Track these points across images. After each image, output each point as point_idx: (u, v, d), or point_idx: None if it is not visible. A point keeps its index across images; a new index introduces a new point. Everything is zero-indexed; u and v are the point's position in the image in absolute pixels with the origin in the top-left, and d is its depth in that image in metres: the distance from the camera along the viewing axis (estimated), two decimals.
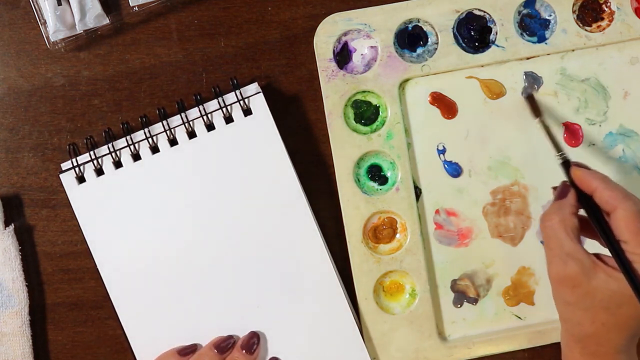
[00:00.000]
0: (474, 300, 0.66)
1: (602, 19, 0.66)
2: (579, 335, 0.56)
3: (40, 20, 0.64)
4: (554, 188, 0.59)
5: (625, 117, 0.66)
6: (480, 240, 0.66)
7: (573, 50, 0.66)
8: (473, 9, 0.65)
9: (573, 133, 0.66)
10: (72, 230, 0.65)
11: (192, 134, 0.64)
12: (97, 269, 0.64)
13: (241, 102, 0.64)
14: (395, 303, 0.66)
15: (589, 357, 0.56)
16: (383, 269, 0.65)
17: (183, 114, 0.64)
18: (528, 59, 0.66)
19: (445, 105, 0.66)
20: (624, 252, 0.53)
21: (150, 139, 0.64)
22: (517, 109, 0.66)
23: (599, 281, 0.54)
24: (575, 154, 0.66)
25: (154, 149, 0.64)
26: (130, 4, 0.64)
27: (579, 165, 0.59)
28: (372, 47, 0.66)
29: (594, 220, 0.56)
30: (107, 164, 0.64)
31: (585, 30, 0.66)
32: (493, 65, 0.66)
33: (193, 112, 0.64)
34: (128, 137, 0.63)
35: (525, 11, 0.66)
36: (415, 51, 0.66)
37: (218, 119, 0.64)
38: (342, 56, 0.66)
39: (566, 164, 0.59)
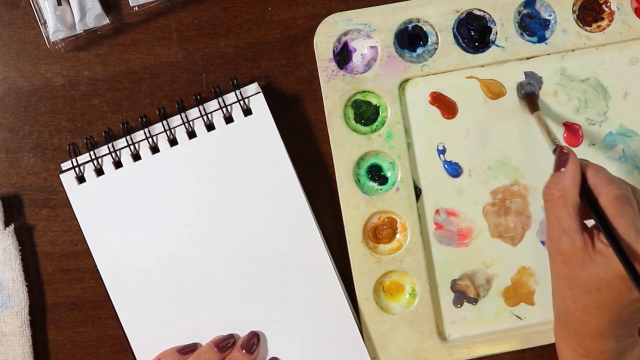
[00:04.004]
0: (474, 300, 0.66)
1: (602, 19, 0.66)
2: (562, 310, 0.57)
3: (40, 20, 0.64)
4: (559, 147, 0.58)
5: (625, 117, 0.66)
6: (480, 240, 0.66)
7: (573, 50, 0.66)
8: (473, 9, 0.65)
9: (573, 133, 0.66)
10: (72, 230, 0.65)
11: (192, 134, 0.64)
12: (97, 269, 0.64)
13: (241, 102, 0.64)
14: (395, 303, 0.66)
15: (573, 335, 0.56)
16: (383, 269, 0.65)
17: (183, 114, 0.64)
18: (528, 59, 0.66)
19: (445, 105, 0.66)
20: (615, 230, 0.53)
21: (150, 139, 0.64)
22: (517, 109, 0.66)
23: (584, 263, 0.54)
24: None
25: (154, 149, 0.64)
26: (130, 4, 0.64)
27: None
28: (372, 47, 0.66)
29: (586, 202, 0.55)
30: (107, 164, 0.64)
31: (585, 30, 0.66)
32: (493, 65, 0.66)
33: (193, 112, 0.64)
34: (128, 137, 0.63)
35: (525, 11, 0.66)
36: (415, 51, 0.66)
37: (218, 119, 0.64)
38: (342, 56, 0.66)
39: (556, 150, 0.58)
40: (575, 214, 0.55)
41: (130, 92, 0.66)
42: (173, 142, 0.64)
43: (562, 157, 0.57)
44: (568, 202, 0.55)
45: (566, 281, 0.55)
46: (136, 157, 0.64)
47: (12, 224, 0.64)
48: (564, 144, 0.59)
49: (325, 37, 0.65)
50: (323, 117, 0.65)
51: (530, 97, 0.65)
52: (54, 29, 0.63)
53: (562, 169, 0.56)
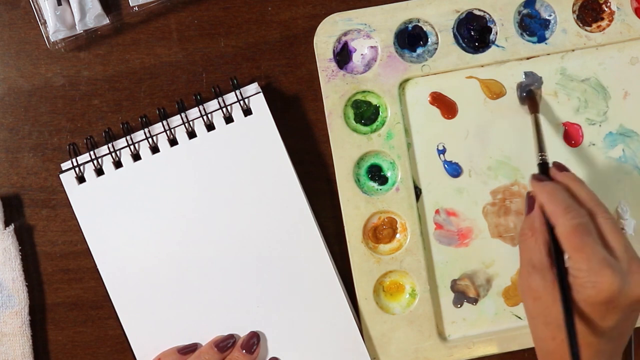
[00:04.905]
0: (474, 300, 0.66)
1: (602, 19, 0.66)
2: (544, 351, 0.55)
3: (40, 20, 0.64)
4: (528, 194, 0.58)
5: (625, 117, 0.66)
6: (480, 240, 0.66)
7: (573, 50, 0.66)
8: (473, 9, 0.65)
9: (573, 133, 0.66)
10: (72, 230, 0.65)
11: (192, 134, 0.64)
12: (97, 269, 0.64)
13: (241, 102, 0.64)
14: (395, 303, 0.66)
15: None
16: (383, 269, 0.65)
17: (183, 114, 0.64)
18: (528, 59, 0.66)
19: (445, 105, 0.66)
20: (562, 267, 0.53)
21: (150, 139, 0.64)
22: (517, 109, 0.66)
23: (555, 298, 0.53)
24: (575, 154, 0.66)
25: (154, 149, 0.64)
26: (130, 4, 0.64)
27: (560, 166, 0.58)
28: (372, 47, 0.66)
29: (550, 235, 0.55)
30: (107, 164, 0.64)
31: (585, 30, 0.66)
32: (493, 65, 0.66)
33: (193, 112, 0.64)
34: (128, 137, 0.63)
35: (525, 11, 0.66)
36: (415, 51, 0.66)
37: (218, 119, 0.64)
38: (342, 56, 0.66)
39: (542, 166, 0.59)
40: (545, 250, 0.54)
41: (130, 92, 0.66)
42: (173, 142, 0.64)
43: (530, 201, 0.57)
44: (539, 239, 0.55)
45: (541, 318, 0.54)
46: (136, 157, 0.64)
47: (12, 224, 0.64)
48: (550, 159, 0.58)
49: (325, 37, 0.65)
50: (323, 117, 0.65)
51: (532, 97, 0.65)
52: (54, 29, 0.63)
53: (532, 212, 0.57)
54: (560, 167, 0.58)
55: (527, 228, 0.56)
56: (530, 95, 0.65)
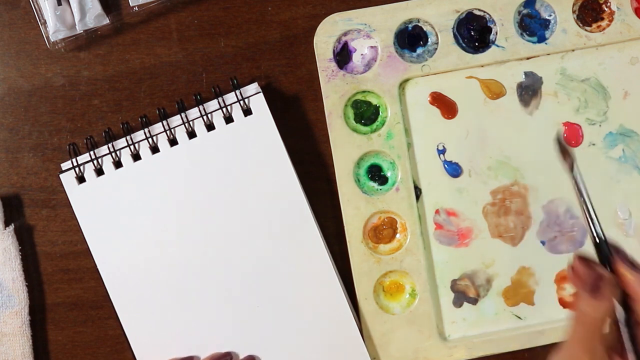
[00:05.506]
0: (474, 300, 0.66)
1: (602, 19, 0.66)
2: None
3: (40, 20, 0.64)
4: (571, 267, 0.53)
5: (625, 117, 0.66)
6: (480, 240, 0.66)
7: (573, 50, 0.66)
8: (473, 9, 0.65)
9: (573, 133, 0.66)
10: (72, 230, 0.65)
11: (192, 134, 0.64)
12: (97, 269, 0.64)
13: (241, 102, 0.64)
14: (395, 303, 0.66)
15: None
16: (383, 269, 0.65)
17: (183, 114, 0.64)
18: (528, 59, 0.66)
19: (445, 105, 0.66)
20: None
21: (150, 139, 0.64)
22: (517, 109, 0.66)
23: None
24: (575, 154, 0.66)
25: (154, 149, 0.64)
26: (130, 4, 0.64)
27: (628, 261, 0.53)
28: (372, 47, 0.66)
29: (623, 324, 0.52)
30: (107, 164, 0.64)
31: (585, 30, 0.66)
32: (493, 65, 0.66)
33: (193, 112, 0.64)
34: (128, 137, 0.63)
35: (525, 11, 0.66)
36: (415, 51, 0.66)
37: (218, 119, 0.64)
38: (342, 56, 0.66)
39: (601, 246, 0.53)
40: (606, 347, 0.51)
41: (130, 92, 0.66)
42: (173, 142, 0.64)
43: (597, 282, 0.52)
44: (597, 331, 0.51)
45: None
46: (136, 157, 0.64)
47: (12, 224, 0.64)
48: (605, 236, 0.52)
49: (325, 37, 0.65)
50: (323, 117, 0.65)
51: (563, 146, 0.57)
52: (54, 29, 0.63)
53: (597, 294, 0.52)
54: (631, 263, 0.52)
55: (591, 312, 0.51)
56: (561, 144, 0.57)
